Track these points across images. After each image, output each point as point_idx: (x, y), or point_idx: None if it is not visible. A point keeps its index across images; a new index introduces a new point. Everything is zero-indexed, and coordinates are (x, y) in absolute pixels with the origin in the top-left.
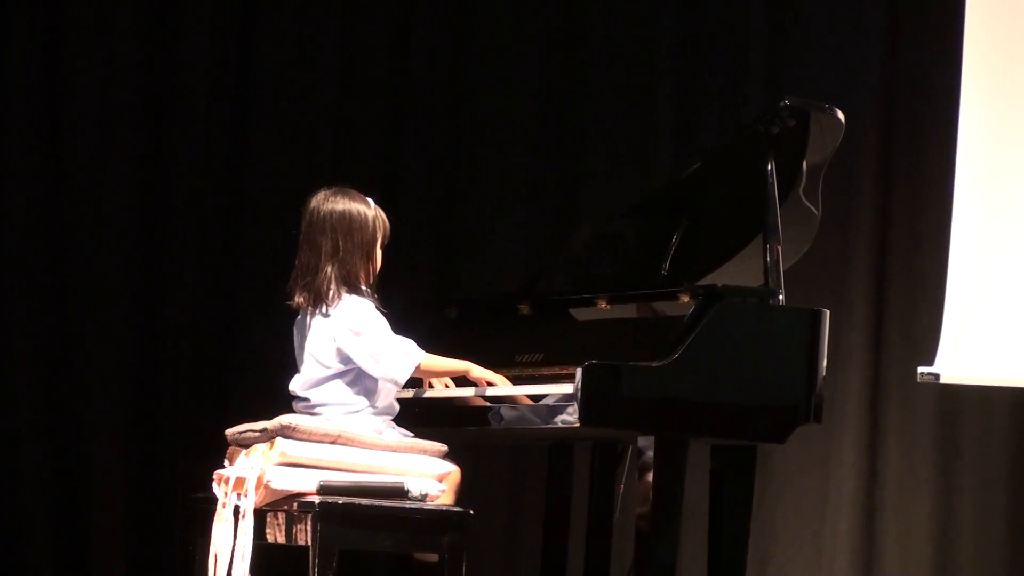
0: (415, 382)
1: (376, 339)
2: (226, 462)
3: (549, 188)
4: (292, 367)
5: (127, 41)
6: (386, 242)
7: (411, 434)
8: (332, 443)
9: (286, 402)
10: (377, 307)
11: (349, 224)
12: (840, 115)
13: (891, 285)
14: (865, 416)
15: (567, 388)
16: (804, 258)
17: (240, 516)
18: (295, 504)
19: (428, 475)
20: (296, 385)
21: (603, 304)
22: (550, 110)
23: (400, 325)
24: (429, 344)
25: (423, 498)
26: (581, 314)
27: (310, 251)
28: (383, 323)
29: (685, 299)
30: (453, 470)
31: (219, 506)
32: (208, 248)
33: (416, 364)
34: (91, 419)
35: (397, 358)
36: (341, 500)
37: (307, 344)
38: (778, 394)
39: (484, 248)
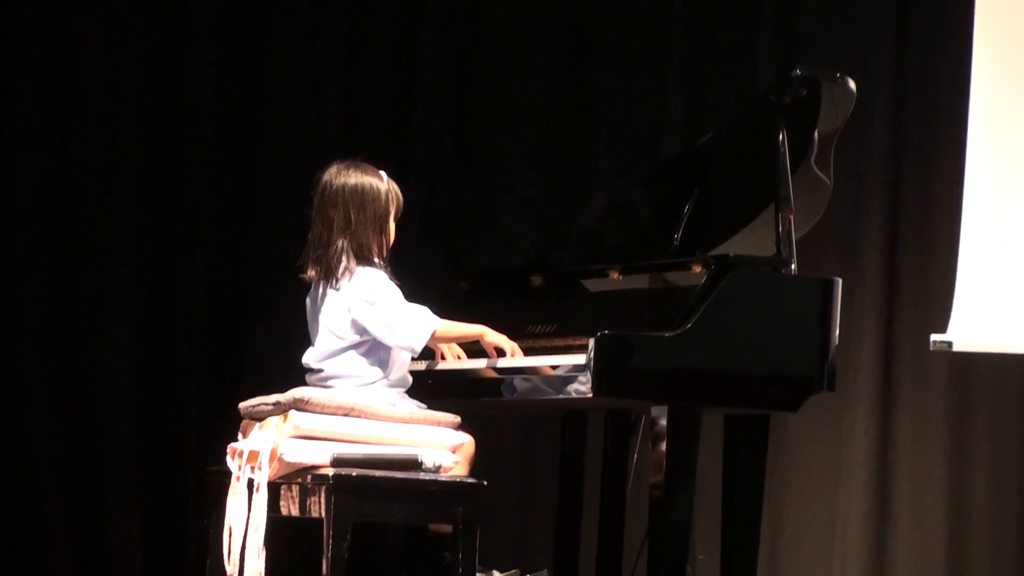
0: (428, 354)
1: (391, 308)
2: (240, 435)
3: (561, 161)
4: (305, 341)
5: (137, 33)
6: (399, 215)
7: (424, 406)
8: (345, 415)
9: (299, 375)
10: (390, 278)
11: (362, 197)
12: (852, 84)
13: (903, 254)
14: (878, 384)
15: (580, 359)
16: (816, 227)
17: (254, 489)
18: (309, 477)
19: (441, 447)
20: (310, 357)
21: (615, 275)
22: (562, 85)
23: (413, 298)
24: (442, 316)
25: (437, 469)
26: (593, 285)
27: (322, 224)
28: (397, 292)
29: (697, 269)
30: (467, 441)
31: (233, 479)
32: (220, 224)
33: (432, 331)
34: (104, 394)
35: (412, 326)
36: (355, 472)
37: (321, 316)
38: (791, 363)
39: (496, 221)
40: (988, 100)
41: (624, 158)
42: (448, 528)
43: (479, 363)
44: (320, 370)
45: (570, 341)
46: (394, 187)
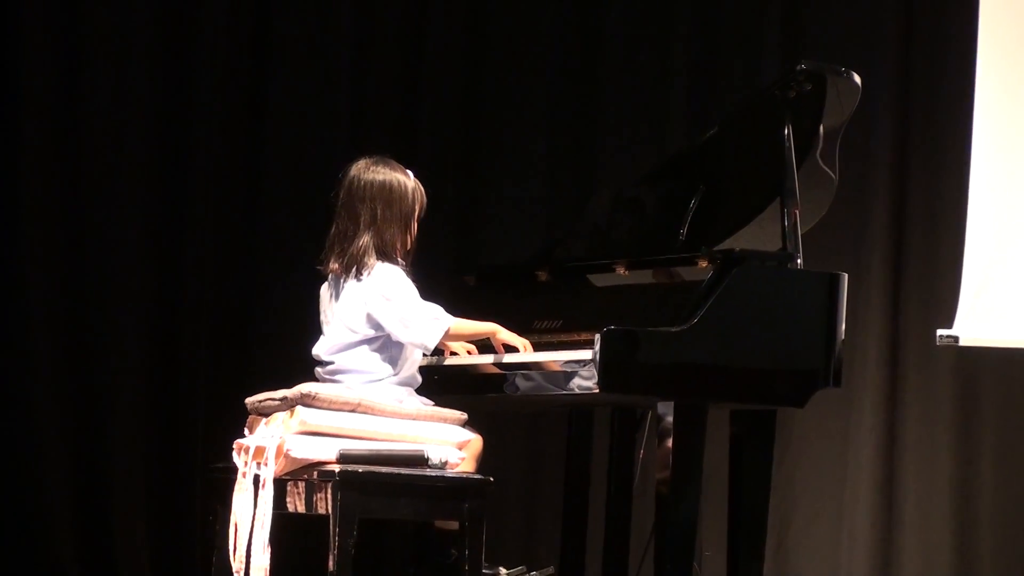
0: (436, 350)
1: (406, 304)
2: (246, 431)
3: (567, 156)
4: (312, 336)
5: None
6: (423, 215)
7: (431, 402)
8: (352, 411)
9: (306, 371)
10: (408, 276)
11: (389, 194)
12: (857, 79)
13: (909, 248)
14: (884, 379)
15: (586, 354)
16: (822, 222)
17: (260, 485)
18: (315, 473)
19: (448, 443)
20: (321, 349)
21: (621, 270)
22: (568, 76)
23: (420, 292)
24: (448, 311)
25: (443, 466)
26: (599, 280)
27: (348, 219)
28: (413, 290)
29: (703, 264)
30: (473, 438)
31: (239, 475)
32: (228, 219)
33: (445, 329)
34: (111, 389)
35: (426, 323)
36: (361, 468)
37: (337, 309)
38: (797, 358)
39: (502, 216)
40: (993, 94)
41: (630, 154)
42: (455, 525)
43: (485, 359)
44: (330, 363)
45: (576, 336)
46: (419, 186)
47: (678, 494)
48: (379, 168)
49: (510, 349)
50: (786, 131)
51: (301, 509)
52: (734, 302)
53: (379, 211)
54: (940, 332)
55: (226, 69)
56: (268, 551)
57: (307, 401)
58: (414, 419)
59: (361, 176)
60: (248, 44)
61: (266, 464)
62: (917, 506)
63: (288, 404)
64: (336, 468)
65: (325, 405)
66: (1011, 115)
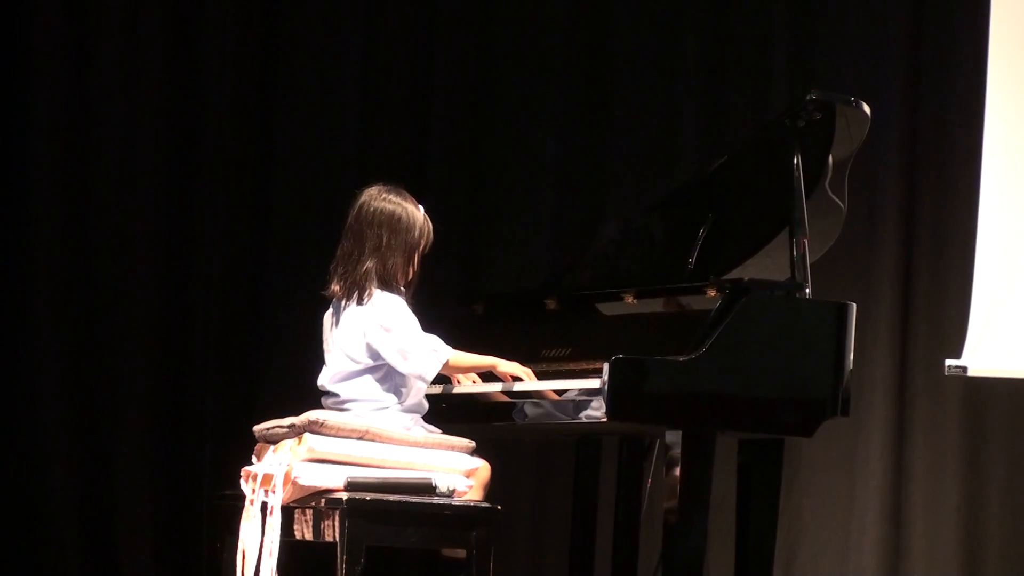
0: (443, 378)
1: (405, 336)
2: (254, 458)
3: (575, 184)
4: (319, 363)
5: (153, 36)
6: (428, 249)
7: (438, 430)
8: (360, 439)
9: (314, 398)
10: (408, 306)
11: (397, 223)
12: (866, 108)
13: (918, 278)
14: (892, 409)
15: (594, 383)
16: (830, 252)
17: (268, 513)
18: (323, 500)
19: (456, 471)
20: (325, 379)
21: (630, 299)
22: (576, 105)
23: (426, 320)
24: (455, 339)
25: (451, 494)
26: (608, 309)
27: (354, 243)
28: (413, 320)
29: (712, 293)
30: (481, 466)
31: (247, 503)
32: (235, 244)
33: (444, 361)
34: (118, 416)
35: (425, 355)
36: (369, 496)
37: (337, 337)
38: (805, 388)
39: (510, 244)
40: (1003, 124)
41: (640, 177)
42: (462, 553)
43: (493, 387)
44: (336, 393)
45: (584, 365)
46: (428, 222)
47: (686, 523)
48: (391, 197)
49: (514, 380)
50: (795, 160)
51: (309, 537)
52: (742, 331)
53: (385, 239)
54: (948, 362)
55: (235, 96)
56: None
57: (315, 428)
58: (422, 447)
59: (372, 202)
60: (256, 69)
61: (274, 491)
62: (925, 536)
63: (296, 431)
64: (344, 496)
65: (333, 432)
66: (1021, 145)
